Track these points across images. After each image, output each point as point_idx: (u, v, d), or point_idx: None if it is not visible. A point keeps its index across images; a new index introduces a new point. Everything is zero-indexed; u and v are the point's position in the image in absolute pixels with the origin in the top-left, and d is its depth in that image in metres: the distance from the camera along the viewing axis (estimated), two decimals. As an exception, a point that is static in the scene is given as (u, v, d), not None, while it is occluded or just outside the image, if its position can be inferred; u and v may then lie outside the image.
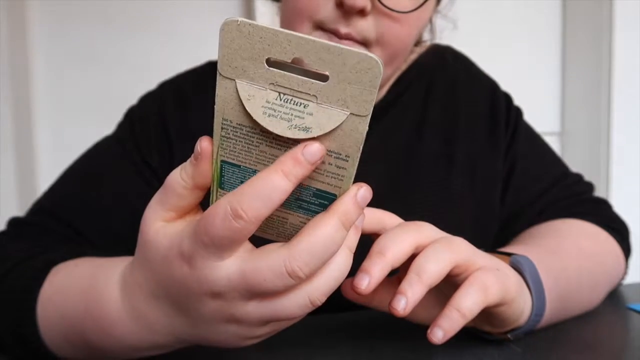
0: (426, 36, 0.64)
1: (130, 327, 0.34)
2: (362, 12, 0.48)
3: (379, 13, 0.49)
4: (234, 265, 0.28)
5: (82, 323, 0.37)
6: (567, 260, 0.49)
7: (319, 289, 0.29)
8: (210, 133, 0.29)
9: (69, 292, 0.39)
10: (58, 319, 0.39)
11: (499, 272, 0.38)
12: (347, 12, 0.48)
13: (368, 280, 0.34)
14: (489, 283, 0.37)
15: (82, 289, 0.38)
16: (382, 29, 0.50)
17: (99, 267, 0.38)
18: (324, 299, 0.30)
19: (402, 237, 0.37)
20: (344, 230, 0.28)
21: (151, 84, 0.65)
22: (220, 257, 0.28)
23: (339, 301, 0.53)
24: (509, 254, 0.44)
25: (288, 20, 0.52)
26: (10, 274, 0.43)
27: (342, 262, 0.30)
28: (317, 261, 0.28)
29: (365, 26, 0.49)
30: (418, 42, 0.63)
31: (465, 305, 0.36)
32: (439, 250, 0.37)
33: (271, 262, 0.28)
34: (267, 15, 0.62)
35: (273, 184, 0.26)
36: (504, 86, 0.68)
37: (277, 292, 0.29)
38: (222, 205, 0.27)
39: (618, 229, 0.59)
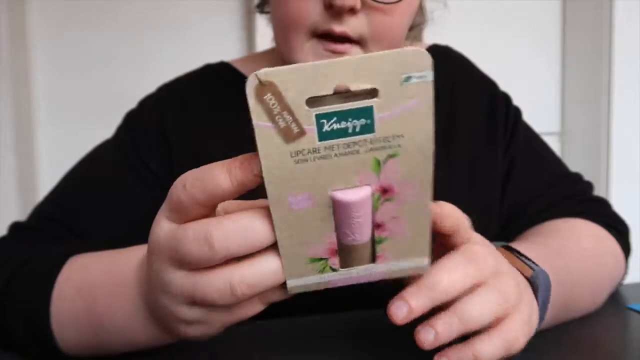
0: (418, 20, 0.63)
1: (133, 290, 0.36)
2: (352, 10, 0.48)
3: (369, 8, 0.49)
4: (170, 225, 0.30)
5: (96, 290, 0.39)
6: (571, 262, 0.48)
7: (241, 276, 0.29)
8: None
9: (91, 266, 0.41)
10: (74, 293, 0.40)
11: (530, 320, 0.36)
12: (338, 12, 0.48)
13: (407, 313, 0.31)
14: (519, 336, 0.34)
15: (107, 258, 0.41)
16: (375, 23, 0.50)
17: (122, 250, 0.41)
18: (246, 291, 0.29)
19: (462, 273, 0.33)
20: (267, 222, 0.28)
21: (152, 86, 0.65)
22: (168, 218, 0.30)
23: (339, 301, 0.53)
24: (518, 253, 0.42)
25: (281, 31, 0.52)
26: (27, 265, 0.44)
27: (272, 265, 0.29)
28: (234, 238, 0.28)
29: (358, 23, 0.49)
30: (412, 27, 0.63)
31: (484, 352, 0.33)
32: (488, 298, 0.33)
33: (197, 226, 0.29)
34: (266, 16, 0.61)
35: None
36: (504, 86, 0.68)
37: (198, 260, 0.29)
38: (178, 180, 0.29)
39: (618, 229, 0.59)
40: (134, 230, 0.56)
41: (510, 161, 0.63)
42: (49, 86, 1.37)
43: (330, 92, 0.24)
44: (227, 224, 0.28)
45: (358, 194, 0.26)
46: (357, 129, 0.24)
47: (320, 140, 0.25)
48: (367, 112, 0.24)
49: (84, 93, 1.38)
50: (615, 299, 0.56)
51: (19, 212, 1.31)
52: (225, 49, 1.43)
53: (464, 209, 0.63)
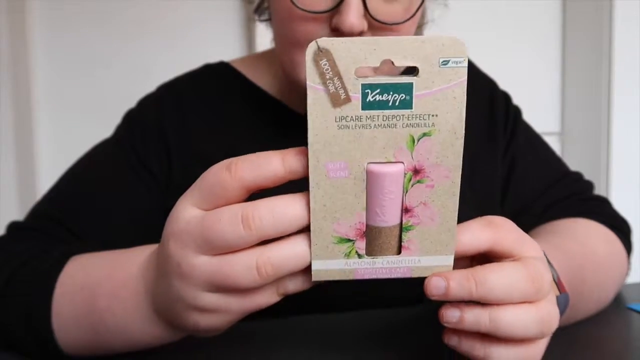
0: (418, 20, 0.63)
1: (137, 289, 0.36)
2: (360, 33, 0.48)
3: (376, 28, 0.49)
4: (198, 210, 0.31)
5: (97, 289, 0.39)
6: (587, 270, 0.48)
7: (268, 257, 0.29)
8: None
9: (93, 265, 0.41)
10: (75, 293, 0.40)
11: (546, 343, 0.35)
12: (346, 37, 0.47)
13: (444, 291, 0.31)
14: (536, 358, 0.34)
15: (110, 257, 0.41)
16: None
17: (124, 250, 0.41)
18: (270, 272, 0.30)
19: (516, 285, 0.31)
20: (302, 203, 0.29)
21: (151, 86, 0.65)
22: (194, 204, 0.31)
23: (339, 301, 0.52)
24: (552, 267, 0.40)
25: (283, 45, 0.52)
26: (28, 265, 0.44)
27: (300, 247, 0.30)
28: (270, 218, 0.29)
29: None
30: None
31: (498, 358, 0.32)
32: (530, 319, 0.32)
33: (232, 208, 0.29)
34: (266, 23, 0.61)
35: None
36: (504, 86, 0.68)
37: (231, 241, 0.29)
38: (221, 163, 0.30)
39: (622, 229, 0.58)
40: (132, 229, 0.56)
41: (511, 161, 0.63)
42: (49, 86, 1.37)
43: (377, 64, 0.26)
44: (264, 205, 0.29)
45: (392, 167, 0.28)
46: (397, 103, 0.27)
47: (363, 109, 0.27)
48: (407, 88, 0.27)
49: (84, 93, 1.38)
50: (616, 299, 0.56)
51: (19, 212, 1.31)
52: (225, 49, 1.43)
53: (464, 209, 0.63)
